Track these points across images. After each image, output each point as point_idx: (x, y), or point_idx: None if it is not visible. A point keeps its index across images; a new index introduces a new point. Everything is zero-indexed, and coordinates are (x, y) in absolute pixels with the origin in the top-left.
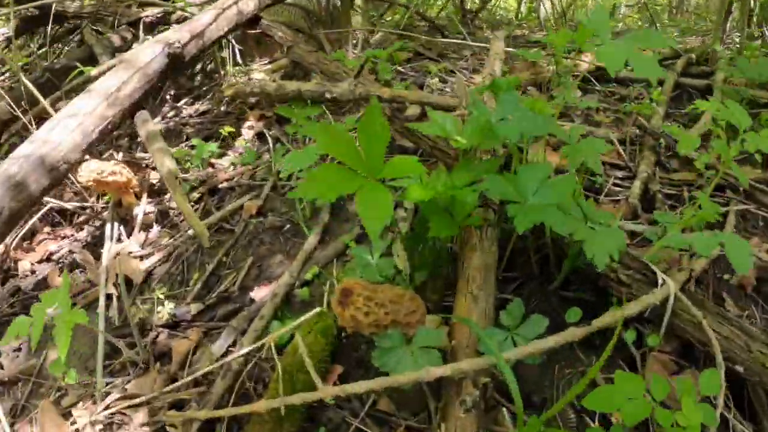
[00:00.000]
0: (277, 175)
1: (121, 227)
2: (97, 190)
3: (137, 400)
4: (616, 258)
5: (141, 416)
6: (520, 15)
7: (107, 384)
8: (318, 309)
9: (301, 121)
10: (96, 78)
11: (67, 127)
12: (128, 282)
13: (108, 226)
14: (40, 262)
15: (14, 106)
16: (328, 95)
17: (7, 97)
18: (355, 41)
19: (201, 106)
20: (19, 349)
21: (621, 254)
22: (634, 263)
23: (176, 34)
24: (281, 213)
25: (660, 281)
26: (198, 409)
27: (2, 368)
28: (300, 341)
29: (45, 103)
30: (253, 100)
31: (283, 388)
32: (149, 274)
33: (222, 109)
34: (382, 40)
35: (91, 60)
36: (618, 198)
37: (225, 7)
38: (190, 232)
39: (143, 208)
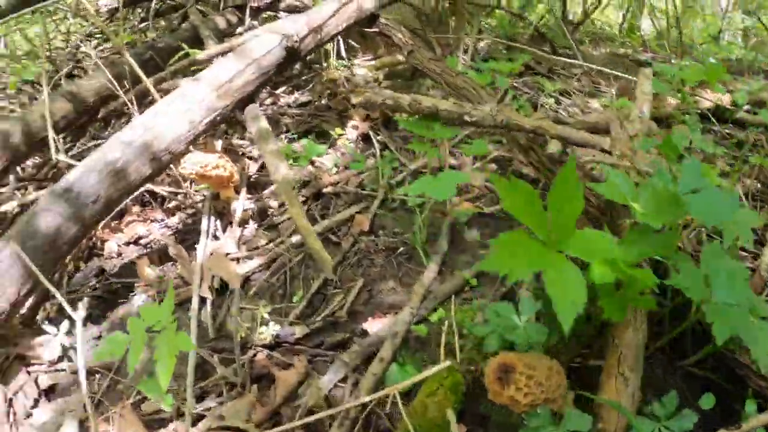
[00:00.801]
0: (388, 187)
1: (217, 222)
2: (198, 183)
3: None
4: None
5: None
6: (622, 31)
7: (198, 402)
8: (448, 363)
9: (424, 134)
10: (202, 62)
11: (173, 115)
12: (223, 285)
13: (204, 220)
14: (127, 244)
15: (116, 84)
16: (467, 118)
17: (108, 72)
18: (465, 47)
19: (301, 96)
20: (99, 337)
21: None
22: None
23: (294, 26)
24: (393, 232)
25: None
26: None
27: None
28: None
29: (148, 82)
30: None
31: None
32: (247, 279)
33: (323, 102)
34: (488, 47)
35: (196, 41)
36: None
37: (345, 1)
38: (294, 239)
39: (242, 204)
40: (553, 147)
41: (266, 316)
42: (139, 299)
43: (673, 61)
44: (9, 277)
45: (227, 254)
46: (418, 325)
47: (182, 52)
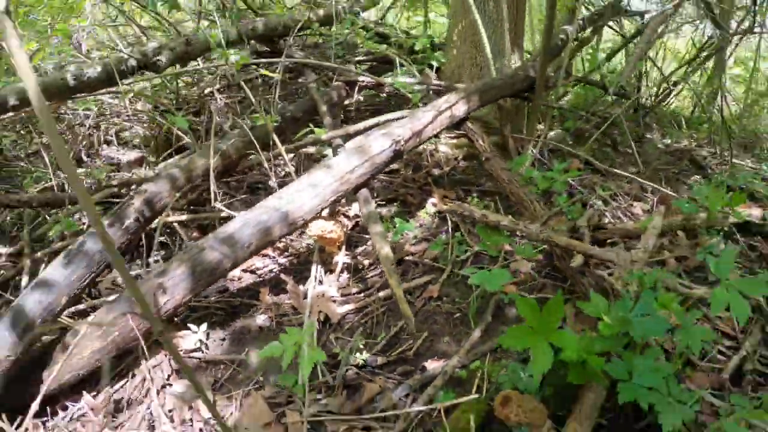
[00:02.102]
0: (453, 264)
1: (320, 269)
2: (316, 242)
3: (337, 417)
4: (679, 428)
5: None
6: (692, 118)
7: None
8: (476, 395)
9: (488, 240)
10: (325, 142)
11: (309, 193)
12: (326, 319)
13: (313, 267)
14: (245, 271)
15: (260, 151)
16: (518, 233)
17: (251, 135)
18: (536, 140)
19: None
20: (224, 339)
21: (689, 425)
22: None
23: (401, 131)
24: (455, 300)
25: None
26: None
27: (207, 349)
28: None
29: (282, 149)
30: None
31: None
32: (342, 317)
33: (408, 173)
34: (557, 136)
35: (314, 111)
36: (719, 366)
37: (441, 110)
38: (381, 294)
39: (342, 258)
40: (578, 259)
41: (361, 346)
42: (260, 318)
43: (726, 159)
44: (180, 287)
45: (331, 297)
46: (462, 369)
47: (307, 130)
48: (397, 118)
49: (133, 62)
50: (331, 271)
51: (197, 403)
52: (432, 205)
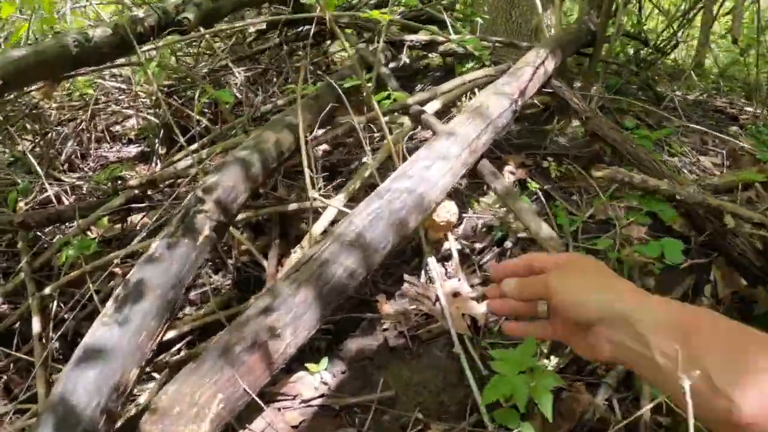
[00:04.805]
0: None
1: (430, 259)
2: (433, 229)
3: None
4: None
5: None
6: (701, 69)
7: None
8: None
9: (645, 206)
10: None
11: (441, 169)
12: (473, 322)
13: (431, 262)
14: None
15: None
16: (678, 196)
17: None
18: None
19: None
20: (344, 372)
21: None
22: None
23: (509, 88)
24: None
25: None
26: None
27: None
28: None
29: (380, 114)
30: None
31: None
32: (487, 317)
33: None
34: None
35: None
36: None
37: (537, 66)
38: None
39: (455, 245)
40: (730, 220)
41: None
42: (390, 336)
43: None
44: (304, 320)
45: (468, 294)
46: None
47: (386, 93)
48: (482, 77)
49: (151, 21)
50: (442, 261)
51: None
52: (509, 173)
